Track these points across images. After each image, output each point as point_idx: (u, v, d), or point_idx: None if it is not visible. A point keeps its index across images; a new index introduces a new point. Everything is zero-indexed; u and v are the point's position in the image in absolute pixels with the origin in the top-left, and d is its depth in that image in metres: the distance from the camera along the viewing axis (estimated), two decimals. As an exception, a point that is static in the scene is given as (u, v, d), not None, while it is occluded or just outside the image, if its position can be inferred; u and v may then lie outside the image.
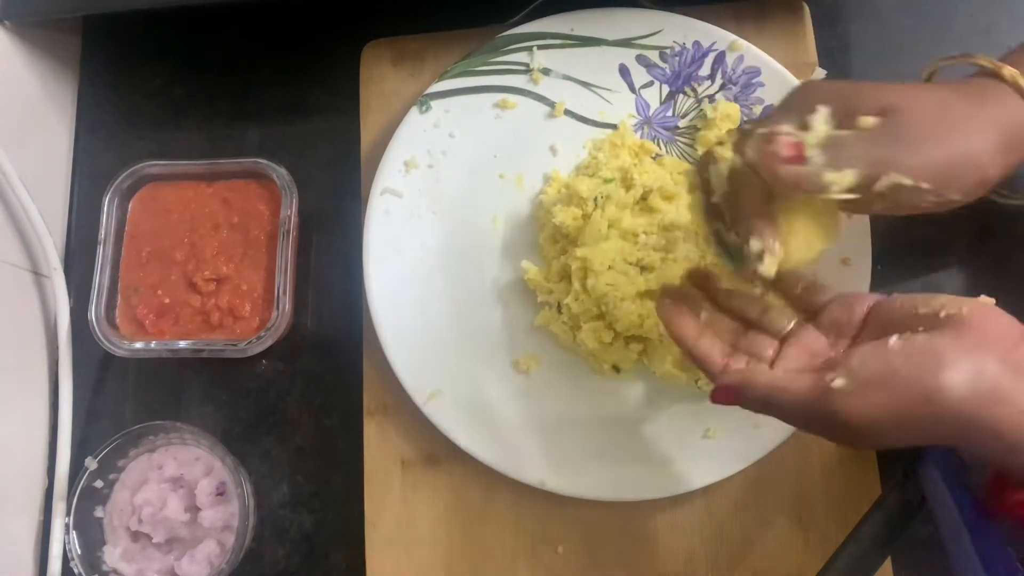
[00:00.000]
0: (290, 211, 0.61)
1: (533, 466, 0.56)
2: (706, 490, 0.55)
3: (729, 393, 0.42)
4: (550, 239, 0.59)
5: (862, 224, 0.56)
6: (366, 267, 0.59)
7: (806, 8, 0.63)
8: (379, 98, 0.64)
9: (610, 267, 0.55)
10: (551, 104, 0.62)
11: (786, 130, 0.40)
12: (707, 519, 0.56)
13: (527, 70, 0.62)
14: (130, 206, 0.64)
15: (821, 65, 0.61)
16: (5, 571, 0.57)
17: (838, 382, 0.37)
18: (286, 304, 0.60)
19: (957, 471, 0.49)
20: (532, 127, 0.62)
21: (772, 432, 0.54)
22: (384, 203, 0.60)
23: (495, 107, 0.62)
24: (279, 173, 0.61)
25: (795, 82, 0.59)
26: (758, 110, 0.60)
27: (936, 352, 0.36)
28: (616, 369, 0.56)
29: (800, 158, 0.39)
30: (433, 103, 0.62)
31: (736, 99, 0.60)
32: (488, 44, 0.62)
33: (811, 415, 0.39)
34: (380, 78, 0.65)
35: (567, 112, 0.62)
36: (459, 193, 0.61)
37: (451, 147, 0.62)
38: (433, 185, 0.61)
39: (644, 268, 0.55)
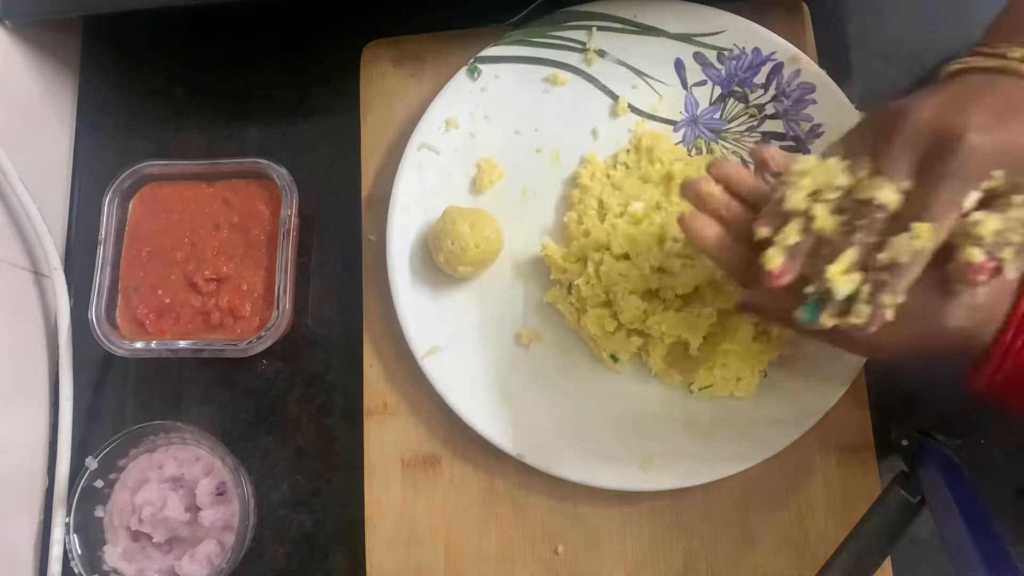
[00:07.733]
0: (290, 211, 0.61)
1: (515, 438, 0.56)
2: (706, 490, 0.56)
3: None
4: (576, 220, 0.59)
5: None
6: (390, 217, 0.59)
7: (805, 8, 0.63)
8: (379, 98, 0.64)
9: (627, 255, 0.55)
10: (601, 87, 0.62)
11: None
12: (707, 519, 0.56)
13: (583, 49, 0.62)
14: (130, 206, 0.64)
15: (820, 65, 0.60)
16: (5, 571, 0.57)
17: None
18: (286, 304, 0.60)
19: (957, 471, 0.50)
20: (578, 107, 0.62)
21: (775, 437, 0.54)
22: (419, 158, 0.61)
23: (545, 81, 0.62)
24: (279, 173, 0.61)
25: (848, 105, 0.57)
26: (806, 127, 0.59)
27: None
28: (614, 359, 0.57)
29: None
30: (484, 67, 0.62)
31: (786, 113, 0.59)
32: (548, 16, 0.62)
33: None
34: (380, 78, 0.65)
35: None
36: (494, 160, 0.62)
37: (494, 113, 0.62)
38: (470, 147, 0.62)
39: (661, 270, 0.55)
